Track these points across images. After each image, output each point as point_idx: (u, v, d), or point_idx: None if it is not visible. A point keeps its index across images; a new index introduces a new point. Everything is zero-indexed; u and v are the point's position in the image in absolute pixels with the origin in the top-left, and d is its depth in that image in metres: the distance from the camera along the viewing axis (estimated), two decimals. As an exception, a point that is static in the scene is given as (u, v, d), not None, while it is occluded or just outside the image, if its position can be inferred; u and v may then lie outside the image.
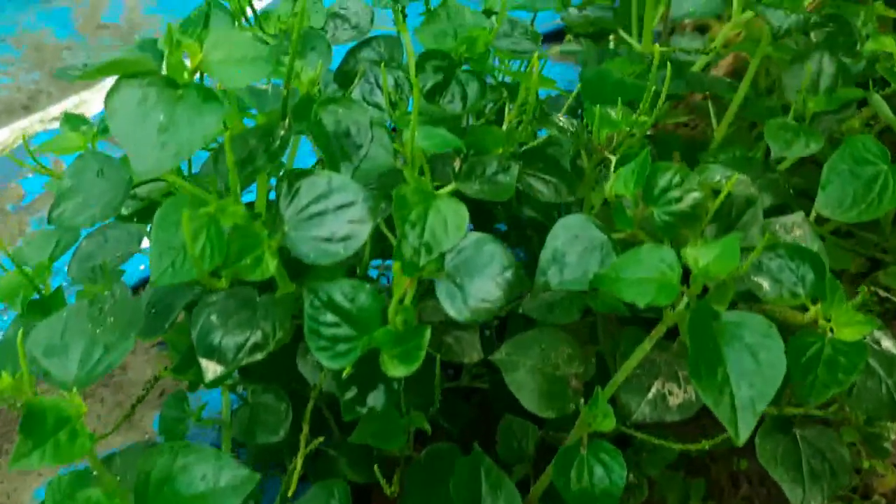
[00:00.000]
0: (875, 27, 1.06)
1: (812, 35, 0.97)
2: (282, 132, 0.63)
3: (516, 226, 0.99)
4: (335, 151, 0.66)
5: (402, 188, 0.67)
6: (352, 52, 0.87)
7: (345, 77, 0.86)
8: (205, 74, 0.60)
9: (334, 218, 0.62)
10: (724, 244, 0.66)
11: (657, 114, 0.79)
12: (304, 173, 0.63)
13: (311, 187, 0.63)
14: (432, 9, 0.79)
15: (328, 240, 0.61)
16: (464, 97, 0.76)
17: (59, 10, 1.76)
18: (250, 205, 0.71)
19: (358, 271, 0.74)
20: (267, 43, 0.85)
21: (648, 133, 1.19)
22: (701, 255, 0.66)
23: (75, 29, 1.74)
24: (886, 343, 0.74)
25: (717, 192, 0.69)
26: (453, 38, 0.78)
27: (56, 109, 1.57)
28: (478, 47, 0.76)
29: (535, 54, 0.81)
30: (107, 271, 0.83)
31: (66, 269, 0.86)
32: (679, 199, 0.68)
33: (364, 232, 0.62)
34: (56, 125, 1.53)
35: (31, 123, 1.54)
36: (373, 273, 0.93)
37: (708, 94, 1.02)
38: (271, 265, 0.61)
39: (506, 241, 1.03)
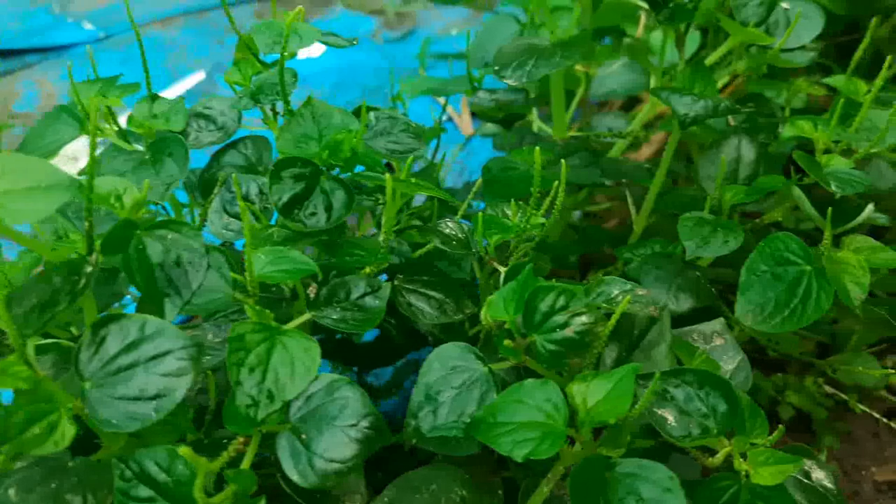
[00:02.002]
0: (804, 103, 0.99)
1: (730, 117, 0.89)
2: (88, 268, 0.54)
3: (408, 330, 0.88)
4: (161, 286, 0.57)
5: (239, 326, 0.57)
6: (216, 157, 0.78)
7: (208, 184, 0.76)
8: None
9: (145, 372, 0.51)
10: (617, 379, 0.56)
11: (562, 209, 0.70)
12: (113, 317, 0.53)
13: (121, 334, 0.53)
14: (294, 110, 0.70)
15: (137, 399, 0.51)
16: (328, 208, 0.66)
17: (-35, 101, 1.67)
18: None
19: (207, 416, 0.63)
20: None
21: (575, 224, 1.11)
22: (589, 394, 0.56)
23: (-16, 119, 1.65)
24: (817, 474, 0.64)
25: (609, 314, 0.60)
26: (318, 141, 0.69)
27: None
28: (343, 152, 0.67)
29: (415, 153, 0.73)
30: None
31: None
32: (564, 325, 0.58)
33: (182, 386, 0.51)
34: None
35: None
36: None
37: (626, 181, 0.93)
38: (68, 433, 0.50)
39: (398, 345, 0.92)
